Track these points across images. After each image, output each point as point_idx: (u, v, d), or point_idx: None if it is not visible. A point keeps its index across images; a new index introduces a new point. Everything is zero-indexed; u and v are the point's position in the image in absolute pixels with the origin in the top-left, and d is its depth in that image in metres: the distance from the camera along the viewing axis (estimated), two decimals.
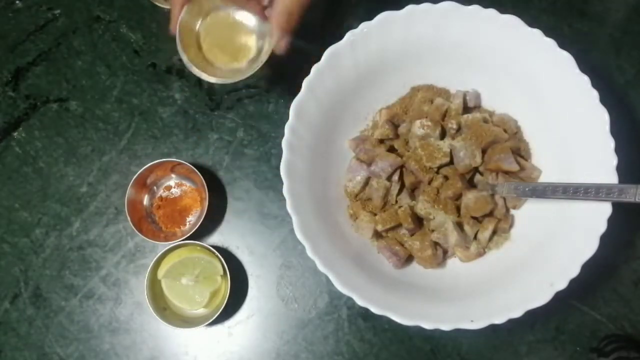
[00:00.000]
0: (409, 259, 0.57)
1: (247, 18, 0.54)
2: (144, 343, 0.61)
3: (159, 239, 0.60)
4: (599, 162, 0.50)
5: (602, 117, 0.50)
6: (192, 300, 0.59)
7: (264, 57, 0.52)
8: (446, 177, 0.56)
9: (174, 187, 0.64)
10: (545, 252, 0.52)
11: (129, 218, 0.59)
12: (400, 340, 0.60)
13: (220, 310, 0.57)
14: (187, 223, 0.63)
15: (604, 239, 0.48)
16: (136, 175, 0.60)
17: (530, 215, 0.57)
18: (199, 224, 0.59)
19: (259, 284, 0.62)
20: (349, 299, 0.50)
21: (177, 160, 0.60)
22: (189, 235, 0.59)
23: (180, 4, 0.51)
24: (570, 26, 0.66)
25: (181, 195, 0.64)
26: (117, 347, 0.61)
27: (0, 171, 0.65)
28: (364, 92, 0.58)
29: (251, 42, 0.54)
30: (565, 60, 0.52)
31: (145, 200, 0.63)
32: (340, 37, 0.54)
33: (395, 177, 0.57)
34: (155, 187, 0.64)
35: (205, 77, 0.52)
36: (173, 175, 0.64)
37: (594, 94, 0.51)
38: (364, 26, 0.54)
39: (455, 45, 0.56)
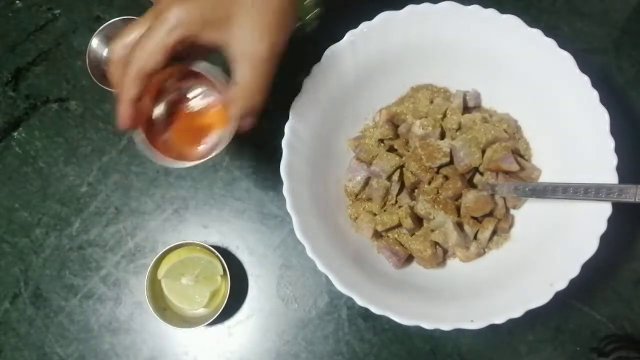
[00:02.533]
0: (409, 259, 0.57)
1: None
2: (144, 343, 0.61)
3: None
4: (599, 162, 0.50)
5: (602, 117, 0.50)
6: (192, 300, 0.59)
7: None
8: (446, 177, 0.56)
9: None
10: (545, 252, 0.52)
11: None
12: (400, 340, 0.60)
13: (220, 310, 0.57)
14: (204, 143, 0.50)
15: (604, 239, 0.48)
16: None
17: (530, 215, 0.57)
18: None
19: (259, 284, 0.62)
20: (349, 299, 0.50)
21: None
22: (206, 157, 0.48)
23: (131, 101, 0.43)
24: (570, 26, 0.66)
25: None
26: (117, 347, 0.61)
27: (0, 171, 0.65)
28: (364, 92, 0.58)
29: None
30: (565, 60, 0.52)
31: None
32: (340, 37, 0.54)
33: (395, 177, 0.57)
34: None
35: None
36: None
37: (594, 94, 0.51)
38: (364, 26, 0.54)
39: (456, 45, 0.56)
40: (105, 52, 0.66)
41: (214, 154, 0.46)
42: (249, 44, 0.41)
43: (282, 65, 0.65)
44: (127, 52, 0.42)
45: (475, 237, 0.57)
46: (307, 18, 0.48)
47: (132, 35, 0.43)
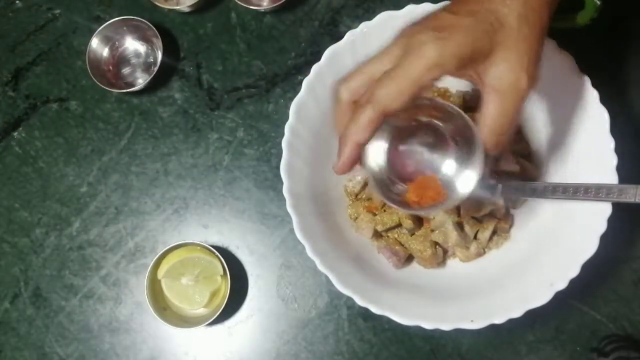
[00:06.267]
0: (409, 259, 0.57)
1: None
2: (144, 343, 0.61)
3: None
4: (599, 162, 0.50)
5: (602, 117, 0.50)
6: (192, 300, 0.59)
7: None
8: None
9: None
10: (545, 252, 0.52)
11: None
12: (400, 340, 0.60)
13: (220, 310, 0.57)
14: None
15: (604, 239, 0.48)
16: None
17: (530, 215, 0.57)
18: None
19: (259, 284, 0.62)
20: (349, 299, 0.50)
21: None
22: None
23: (360, 145, 0.39)
24: (570, 26, 0.65)
25: None
26: (117, 347, 0.61)
27: (0, 171, 0.65)
28: None
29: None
30: (565, 60, 0.52)
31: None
32: (340, 37, 0.54)
33: None
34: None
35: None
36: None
37: (594, 94, 0.51)
38: (364, 26, 0.54)
39: None
40: (105, 52, 0.66)
41: (462, 197, 0.42)
42: (506, 78, 0.37)
43: (283, 65, 0.65)
44: (360, 90, 0.38)
45: (475, 237, 0.57)
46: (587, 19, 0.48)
47: (370, 70, 0.38)
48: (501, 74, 0.37)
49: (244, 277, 0.62)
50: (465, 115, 0.40)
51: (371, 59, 0.39)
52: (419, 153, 0.43)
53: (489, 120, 0.38)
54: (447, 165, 0.43)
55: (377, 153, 0.42)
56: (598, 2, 0.46)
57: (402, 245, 0.56)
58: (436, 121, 0.42)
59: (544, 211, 0.55)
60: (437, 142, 0.43)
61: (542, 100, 0.55)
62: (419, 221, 0.56)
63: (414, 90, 0.36)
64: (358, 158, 0.40)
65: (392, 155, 0.43)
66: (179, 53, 0.67)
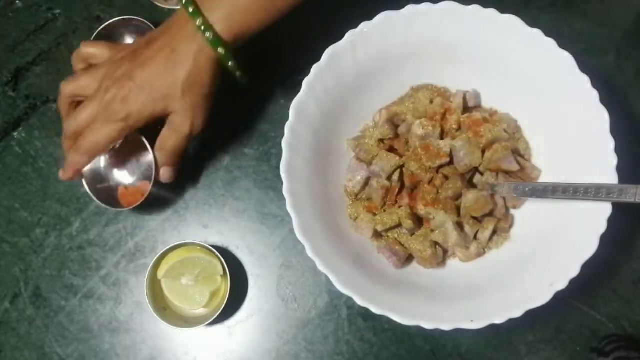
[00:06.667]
0: (409, 259, 0.57)
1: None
2: (144, 343, 0.61)
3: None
4: (599, 162, 0.50)
5: (602, 117, 0.50)
6: (192, 300, 0.59)
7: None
8: (446, 177, 0.56)
9: None
10: (545, 252, 0.52)
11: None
12: (400, 340, 0.60)
13: (220, 310, 0.57)
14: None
15: (604, 239, 0.48)
16: None
17: (530, 215, 0.57)
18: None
19: (259, 284, 0.62)
20: (349, 299, 0.50)
21: None
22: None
23: (79, 170, 0.56)
24: (570, 26, 0.66)
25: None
26: (117, 347, 0.61)
27: (0, 171, 0.65)
28: (364, 92, 0.58)
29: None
30: (565, 60, 0.52)
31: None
32: (340, 37, 0.54)
33: (395, 177, 0.57)
34: None
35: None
36: None
37: (594, 94, 0.51)
38: (364, 26, 0.54)
39: (456, 45, 0.56)
40: None
41: (142, 199, 0.58)
42: (176, 124, 0.54)
43: (282, 65, 0.65)
44: (78, 127, 0.53)
45: (475, 237, 0.57)
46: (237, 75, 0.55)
47: (83, 114, 0.53)
48: (172, 121, 0.54)
49: (244, 277, 0.62)
50: (146, 143, 0.57)
51: (82, 86, 0.55)
52: (129, 164, 0.61)
53: (160, 145, 0.56)
54: (142, 173, 0.61)
55: (98, 166, 0.60)
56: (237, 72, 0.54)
57: (402, 245, 0.56)
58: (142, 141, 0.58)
59: (544, 211, 0.55)
60: (140, 156, 0.61)
61: (542, 100, 0.55)
62: (419, 221, 0.57)
63: (110, 142, 0.53)
64: (80, 173, 0.56)
65: (110, 165, 0.61)
66: None
